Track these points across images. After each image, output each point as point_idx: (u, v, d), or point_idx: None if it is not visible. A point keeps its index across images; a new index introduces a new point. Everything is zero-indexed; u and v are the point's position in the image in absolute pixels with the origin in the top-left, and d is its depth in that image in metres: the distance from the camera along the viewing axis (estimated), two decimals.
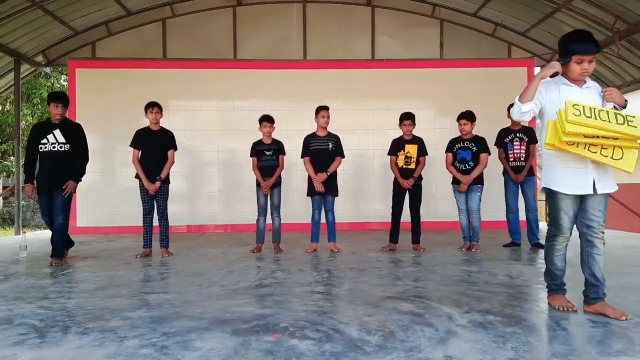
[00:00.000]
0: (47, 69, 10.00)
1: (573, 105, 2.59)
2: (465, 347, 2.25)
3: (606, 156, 2.61)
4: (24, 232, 6.41)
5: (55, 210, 4.79)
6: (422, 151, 5.64)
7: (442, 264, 4.69)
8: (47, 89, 14.22)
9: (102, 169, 8.48)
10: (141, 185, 5.26)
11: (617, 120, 2.56)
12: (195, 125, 8.66)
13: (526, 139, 5.83)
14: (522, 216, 5.99)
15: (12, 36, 7.99)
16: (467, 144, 5.70)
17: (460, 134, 5.77)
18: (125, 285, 3.83)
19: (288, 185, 8.18)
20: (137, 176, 5.27)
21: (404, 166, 5.61)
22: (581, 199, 2.79)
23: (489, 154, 5.69)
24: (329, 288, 3.57)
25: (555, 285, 2.98)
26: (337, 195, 5.61)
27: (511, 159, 5.85)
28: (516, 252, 5.61)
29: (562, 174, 2.78)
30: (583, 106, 2.59)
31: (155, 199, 5.30)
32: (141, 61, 8.69)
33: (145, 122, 5.41)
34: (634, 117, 2.58)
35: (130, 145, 5.28)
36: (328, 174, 5.44)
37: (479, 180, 5.63)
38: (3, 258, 5.48)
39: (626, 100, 2.73)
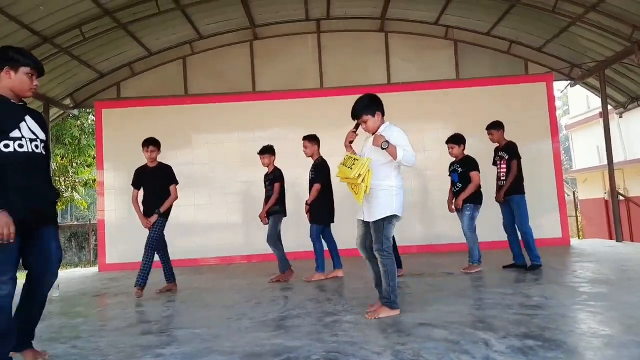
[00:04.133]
0: (75, 111, 10.40)
1: (345, 157, 3.53)
2: None
3: (353, 191, 3.46)
4: None
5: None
6: None
7: (473, 287, 4.57)
8: (77, 128, 14.77)
9: (129, 205, 8.58)
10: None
11: (348, 165, 3.41)
12: (218, 157, 8.81)
13: (506, 157, 5.57)
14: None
15: (41, 82, 8.31)
16: (455, 166, 5.68)
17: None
18: (155, 321, 3.85)
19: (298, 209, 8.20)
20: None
21: None
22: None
23: (478, 171, 5.54)
24: (358, 317, 3.51)
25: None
26: (313, 222, 5.60)
27: (498, 178, 5.68)
28: (548, 272, 5.44)
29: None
30: (346, 157, 3.50)
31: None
32: (164, 98, 8.96)
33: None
34: (357, 160, 3.39)
35: (132, 185, 5.27)
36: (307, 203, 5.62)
37: (469, 199, 5.47)
38: None
39: (384, 142, 3.33)
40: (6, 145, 2.52)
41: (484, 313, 3.45)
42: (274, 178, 5.66)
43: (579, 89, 10.89)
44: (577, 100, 18.18)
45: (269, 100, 8.90)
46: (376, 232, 3.44)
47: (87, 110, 13.80)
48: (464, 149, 5.68)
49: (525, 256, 5.66)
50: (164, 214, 5.13)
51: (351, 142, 3.60)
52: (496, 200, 5.66)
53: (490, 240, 7.57)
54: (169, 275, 5.37)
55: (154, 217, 5.02)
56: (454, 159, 5.76)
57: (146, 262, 5.00)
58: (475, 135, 7.47)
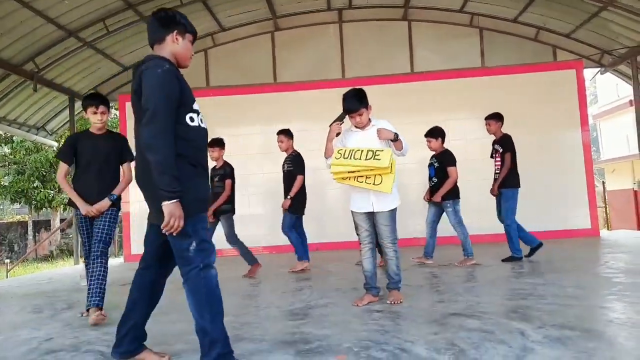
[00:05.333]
0: None
1: (337, 151, 3.45)
2: None
3: (369, 183, 3.36)
4: (85, 262, 6.66)
5: None
6: None
7: (504, 277, 4.48)
8: None
9: None
10: (78, 216, 3.61)
11: (366, 157, 3.31)
12: (240, 150, 8.81)
13: (501, 150, 5.47)
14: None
15: (66, 76, 8.50)
16: (432, 160, 5.57)
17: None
18: (184, 309, 3.86)
19: (328, 205, 8.18)
20: (70, 202, 3.64)
21: None
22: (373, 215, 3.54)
23: (456, 166, 5.41)
24: (388, 306, 3.46)
25: (366, 285, 3.62)
26: (291, 212, 5.60)
27: (495, 172, 5.56)
28: (580, 263, 5.29)
29: (353, 197, 3.61)
30: (345, 150, 3.41)
31: (96, 227, 3.52)
32: None
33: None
34: (382, 150, 3.31)
35: (57, 157, 3.78)
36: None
37: (447, 196, 5.34)
38: (65, 287, 5.70)
39: (395, 133, 3.42)
40: (191, 119, 2.26)
41: (516, 303, 3.36)
42: (225, 174, 5.26)
43: (608, 77, 10.55)
44: (606, 89, 17.67)
45: (291, 91, 8.86)
46: (390, 221, 3.52)
47: (111, 104, 14.02)
48: (442, 142, 5.51)
49: (525, 248, 5.55)
50: (117, 203, 4.42)
51: (338, 134, 3.58)
52: (491, 193, 5.56)
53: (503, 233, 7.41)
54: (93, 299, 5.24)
55: (105, 204, 3.57)
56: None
57: (100, 274, 3.64)
58: (503, 125, 7.29)
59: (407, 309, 3.34)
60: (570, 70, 8.54)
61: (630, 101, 9.50)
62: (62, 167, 3.60)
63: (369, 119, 3.58)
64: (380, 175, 3.31)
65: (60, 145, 3.82)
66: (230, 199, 5.25)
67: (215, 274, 2.23)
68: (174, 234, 2.12)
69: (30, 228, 18.24)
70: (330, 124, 3.62)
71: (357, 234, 3.64)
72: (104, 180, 3.55)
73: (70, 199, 3.62)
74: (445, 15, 8.84)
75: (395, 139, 3.42)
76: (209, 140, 4.91)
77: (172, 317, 3.54)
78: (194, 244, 2.16)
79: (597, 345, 2.35)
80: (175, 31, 2.32)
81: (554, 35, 8.80)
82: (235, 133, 8.89)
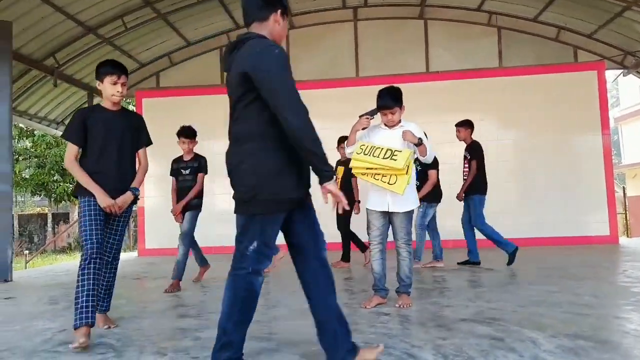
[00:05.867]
0: None
1: (360, 146, 3.41)
2: None
3: (384, 182, 3.34)
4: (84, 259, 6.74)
5: None
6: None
7: (515, 283, 4.40)
8: None
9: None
10: (89, 206, 2.87)
11: (384, 155, 3.28)
12: None
13: (469, 157, 5.54)
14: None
15: (85, 72, 8.62)
16: (415, 163, 5.50)
17: None
18: (192, 305, 3.89)
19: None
20: (77, 192, 2.95)
21: None
22: (389, 216, 3.51)
23: (437, 170, 5.39)
24: (396, 309, 3.42)
25: (375, 287, 3.58)
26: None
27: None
28: (597, 271, 5.17)
29: (370, 195, 3.57)
30: (367, 146, 3.37)
31: (112, 226, 3.05)
32: (201, 88, 9.06)
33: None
34: (400, 151, 3.28)
35: (65, 137, 3.04)
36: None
37: (425, 197, 5.30)
38: None
39: (420, 138, 3.40)
40: None
41: (529, 310, 3.29)
42: (200, 167, 4.77)
43: (631, 79, 10.28)
44: (628, 91, 17.23)
45: (305, 89, 8.75)
46: (407, 222, 3.51)
47: (128, 100, 14.19)
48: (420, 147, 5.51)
49: (505, 253, 5.48)
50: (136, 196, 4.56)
51: (364, 128, 3.54)
52: (457, 199, 5.61)
53: (537, 237, 7.29)
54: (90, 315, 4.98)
55: (127, 197, 3.01)
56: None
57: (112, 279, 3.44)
58: (520, 127, 7.21)
59: (415, 313, 3.30)
60: (591, 72, 8.35)
61: None
62: (71, 149, 2.94)
63: (400, 120, 3.55)
64: (395, 175, 3.30)
65: (68, 123, 3.01)
66: (200, 194, 4.80)
67: (261, 282, 2.15)
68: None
69: (49, 220, 18.61)
70: (361, 115, 3.57)
71: (368, 233, 3.59)
72: (123, 167, 2.99)
73: (78, 186, 2.92)
74: (463, 14, 8.72)
75: (419, 143, 3.41)
76: (181, 129, 4.80)
77: (180, 313, 3.56)
78: (255, 244, 2.07)
79: (612, 357, 2.28)
80: (280, 11, 2.17)
81: (576, 35, 8.61)
82: None
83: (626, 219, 12.59)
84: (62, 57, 7.85)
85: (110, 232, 3.06)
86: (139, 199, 3.17)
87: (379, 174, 3.36)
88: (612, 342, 2.51)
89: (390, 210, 3.47)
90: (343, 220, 5.75)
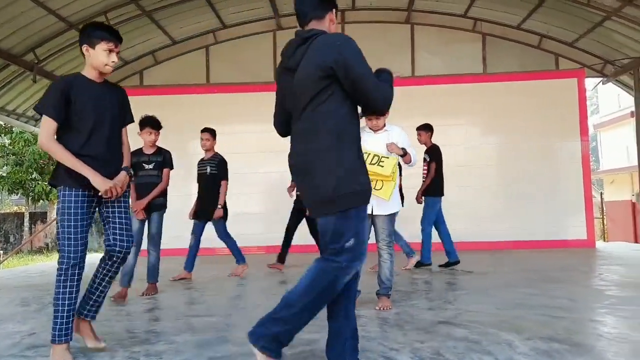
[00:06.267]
0: None
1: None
2: None
3: (376, 188, 3.31)
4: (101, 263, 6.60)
5: None
6: None
7: (495, 287, 4.43)
8: None
9: None
10: (72, 197, 2.42)
11: (371, 161, 3.31)
12: (238, 148, 8.78)
13: (428, 159, 5.67)
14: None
15: (66, 68, 8.46)
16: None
17: None
18: (170, 307, 3.84)
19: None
20: (55, 180, 2.48)
21: None
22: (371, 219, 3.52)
23: (437, 162, 5.58)
24: (376, 312, 3.42)
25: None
26: (223, 219, 5.30)
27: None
28: (574, 274, 5.25)
29: None
30: (367, 153, 3.32)
31: (111, 216, 2.58)
32: (186, 87, 8.97)
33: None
34: (387, 158, 3.35)
35: (40, 110, 2.45)
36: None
37: (424, 192, 5.57)
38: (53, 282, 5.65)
39: (403, 149, 3.50)
40: None
41: (506, 313, 3.32)
42: (165, 162, 4.38)
43: (610, 87, 10.52)
44: (607, 99, 17.64)
45: None
46: (390, 225, 3.56)
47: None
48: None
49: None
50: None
51: None
52: (415, 200, 5.70)
53: (516, 240, 7.38)
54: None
55: (122, 178, 2.62)
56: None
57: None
58: (502, 132, 7.29)
59: (394, 316, 3.30)
60: (571, 79, 8.52)
61: (632, 112, 9.46)
62: (49, 125, 2.40)
63: (384, 124, 3.63)
64: (382, 181, 3.37)
65: (45, 94, 2.49)
66: (165, 192, 4.41)
67: (343, 283, 2.07)
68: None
69: (26, 219, 18.20)
70: None
71: None
72: (112, 148, 2.58)
73: (58, 173, 2.44)
74: (449, 19, 8.81)
75: (404, 154, 3.51)
76: (144, 119, 4.42)
77: (156, 315, 3.50)
78: (352, 240, 2.02)
79: None
80: (334, 10, 2.23)
81: (557, 43, 8.77)
82: (234, 131, 8.85)
83: (603, 224, 12.85)
84: (43, 52, 7.69)
85: (113, 223, 2.55)
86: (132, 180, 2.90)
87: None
88: (585, 345, 2.54)
89: (373, 213, 3.51)
90: (296, 222, 5.83)
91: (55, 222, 16.56)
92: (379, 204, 3.48)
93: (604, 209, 13.53)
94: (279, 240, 8.07)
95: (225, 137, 8.84)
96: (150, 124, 4.40)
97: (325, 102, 2.05)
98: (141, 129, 4.40)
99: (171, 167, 4.44)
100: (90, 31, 2.56)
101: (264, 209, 8.73)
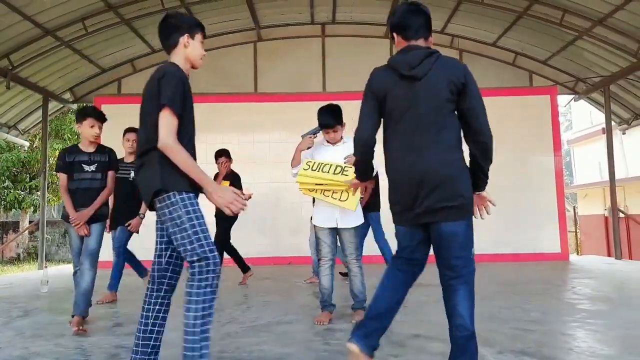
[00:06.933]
0: (74, 106, 10.33)
1: (306, 162, 3.45)
2: None
3: (335, 198, 3.34)
4: (46, 267, 6.44)
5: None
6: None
7: None
8: None
9: None
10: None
11: (335, 171, 3.30)
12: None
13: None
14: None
15: (41, 75, 8.30)
16: None
17: None
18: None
19: (304, 219, 8.13)
20: (165, 184, 2.31)
21: None
22: (337, 232, 3.53)
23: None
24: (352, 326, 3.41)
25: (324, 302, 3.56)
26: (130, 230, 4.74)
27: None
28: (546, 288, 5.34)
29: (317, 212, 3.60)
30: (314, 162, 3.41)
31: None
32: None
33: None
34: (350, 167, 3.26)
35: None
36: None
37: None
38: (25, 293, 5.48)
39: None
40: None
41: (480, 326, 3.32)
42: (110, 163, 3.63)
43: (582, 104, 10.84)
44: (580, 116, 18.15)
45: (271, 102, 8.83)
46: (355, 237, 3.54)
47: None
48: None
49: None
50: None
51: (309, 148, 3.61)
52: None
53: (491, 253, 7.47)
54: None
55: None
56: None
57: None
58: None
59: None
60: (544, 96, 8.76)
61: (603, 129, 9.75)
62: (175, 122, 2.28)
63: (342, 137, 3.61)
64: (346, 192, 3.30)
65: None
66: (107, 201, 3.70)
67: None
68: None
69: None
70: (303, 135, 3.64)
71: (318, 250, 3.61)
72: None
73: (174, 175, 2.30)
74: None
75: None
76: (84, 111, 3.77)
77: (127, 330, 3.41)
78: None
79: None
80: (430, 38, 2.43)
81: (531, 61, 9.03)
82: (213, 140, 8.78)
83: (576, 237, 13.13)
84: (17, 58, 7.54)
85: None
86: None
87: (328, 191, 3.37)
88: (555, 359, 2.58)
89: (339, 227, 3.49)
90: (224, 233, 5.67)
91: (27, 231, 16.02)
92: (343, 218, 3.47)
93: (578, 222, 13.83)
94: (254, 253, 7.99)
95: (203, 147, 8.77)
96: (95, 114, 3.59)
97: (450, 114, 2.19)
98: (81, 121, 3.56)
99: (117, 170, 3.71)
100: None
101: (240, 220, 8.62)
